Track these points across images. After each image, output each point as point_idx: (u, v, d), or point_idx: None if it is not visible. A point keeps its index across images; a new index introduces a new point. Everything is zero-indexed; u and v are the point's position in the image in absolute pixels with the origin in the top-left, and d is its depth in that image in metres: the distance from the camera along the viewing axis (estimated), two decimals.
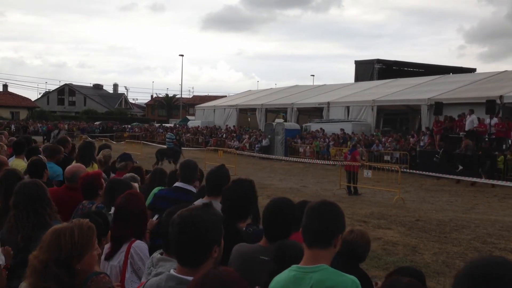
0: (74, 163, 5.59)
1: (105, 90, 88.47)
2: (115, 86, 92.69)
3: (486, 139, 19.93)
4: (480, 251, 8.10)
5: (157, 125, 52.91)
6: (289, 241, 2.65)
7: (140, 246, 2.89)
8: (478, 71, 44.06)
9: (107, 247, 3.01)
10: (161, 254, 2.36)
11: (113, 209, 3.07)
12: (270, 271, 2.42)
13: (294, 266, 2.22)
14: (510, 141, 20.16)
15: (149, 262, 2.40)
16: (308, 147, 27.31)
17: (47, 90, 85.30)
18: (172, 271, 2.02)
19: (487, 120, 20.00)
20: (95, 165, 6.08)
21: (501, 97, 21.70)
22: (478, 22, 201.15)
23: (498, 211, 12.65)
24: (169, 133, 25.43)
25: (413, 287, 1.82)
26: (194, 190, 4.19)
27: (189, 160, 4.58)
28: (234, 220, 3.17)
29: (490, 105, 19.70)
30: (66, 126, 29.58)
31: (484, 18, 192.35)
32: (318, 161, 21.35)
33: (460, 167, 17.70)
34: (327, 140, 27.37)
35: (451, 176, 17.53)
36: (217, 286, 1.59)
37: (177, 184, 4.24)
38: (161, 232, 2.56)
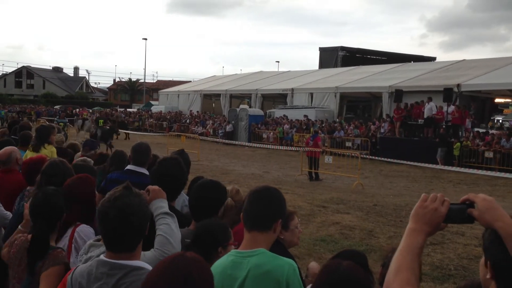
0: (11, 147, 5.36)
1: (65, 73, 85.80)
2: (76, 69, 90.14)
3: (443, 126, 20.54)
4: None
5: (120, 110, 51.85)
6: (209, 220, 2.60)
7: (84, 230, 2.80)
8: (438, 59, 45.33)
9: None
10: (99, 240, 2.28)
11: None
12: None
13: (233, 251, 2.21)
14: (465, 128, 20.88)
15: (83, 249, 2.32)
16: (271, 133, 27.41)
17: (4, 72, 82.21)
18: (102, 257, 1.92)
19: (445, 108, 20.61)
20: (49, 148, 5.89)
21: (458, 85, 22.34)
22: (439, 12, 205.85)
23: (452, 195, 13.06)
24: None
25: (352, 270, 1.82)
26: (146, 172, 4.12)
27: (141, 142, 4.50)
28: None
29: (447, 93, 20.26)
30: (94, 117, 27.78)
31: (445, 7, 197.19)
32: (281, 147, 21.44)
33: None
34: (290, 128, 27.44)
35: (409, 162, 18.06)
36: (180, 280, 1.47)
37: (129, 167, 4.18)
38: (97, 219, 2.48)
